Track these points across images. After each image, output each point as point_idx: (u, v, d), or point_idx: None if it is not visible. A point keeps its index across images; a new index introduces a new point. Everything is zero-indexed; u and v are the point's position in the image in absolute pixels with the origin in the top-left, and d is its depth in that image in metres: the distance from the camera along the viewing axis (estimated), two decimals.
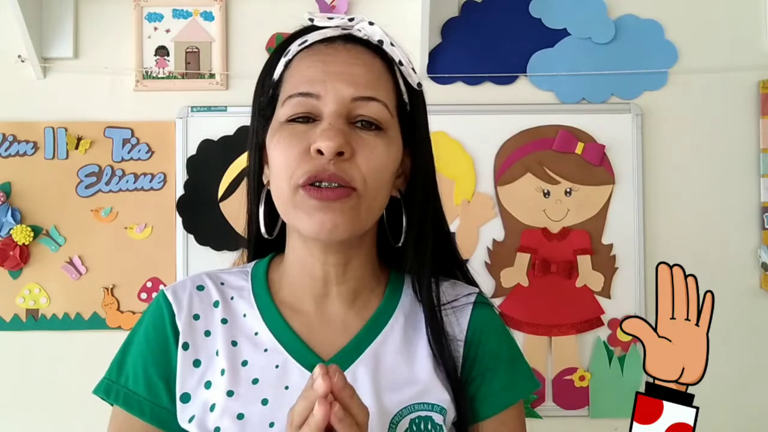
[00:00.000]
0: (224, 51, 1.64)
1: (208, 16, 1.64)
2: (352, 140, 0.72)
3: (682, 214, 1.64)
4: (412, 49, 1.61)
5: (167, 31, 1.64)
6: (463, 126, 1.63)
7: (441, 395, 0.76)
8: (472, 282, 0.88)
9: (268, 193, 0.80)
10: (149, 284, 1.62)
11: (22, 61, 1.61)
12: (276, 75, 0.78)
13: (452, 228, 1.63)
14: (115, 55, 1.64)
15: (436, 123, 1.59)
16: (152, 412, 0.76)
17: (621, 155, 1.62)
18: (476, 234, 1.63)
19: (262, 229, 0.80)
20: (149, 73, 1.64)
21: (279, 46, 0.80)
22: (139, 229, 1.63)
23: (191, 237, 1.61)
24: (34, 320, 1.61)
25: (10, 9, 1.51)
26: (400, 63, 0.78)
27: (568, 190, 1.63)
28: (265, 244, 0.84)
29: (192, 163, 1.62)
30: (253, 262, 0.86)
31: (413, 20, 1.59)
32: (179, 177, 1.62)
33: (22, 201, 1.62)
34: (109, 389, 0.78)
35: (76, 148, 1.62)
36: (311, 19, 0.78)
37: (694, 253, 1.61)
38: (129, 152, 1.63)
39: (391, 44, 0.77)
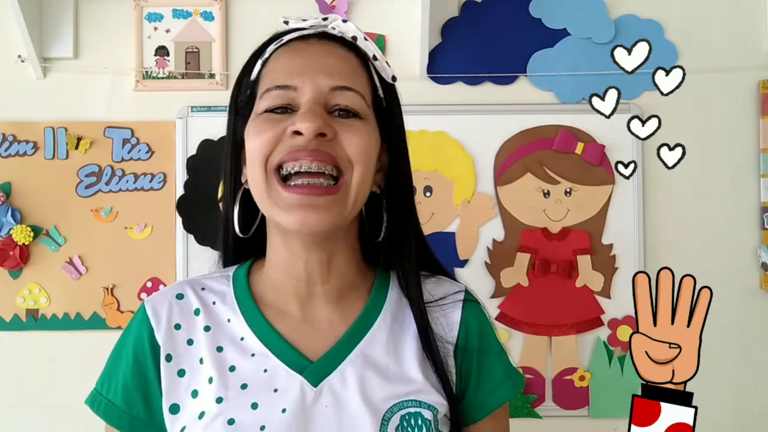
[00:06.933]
0: (224, 51, 1.63)
1: (208, 16, 1.64)
2: (333, 124, 0.72)
3: (682, 214, 1.64)
4: (412, 49, 1.62)
5: (167, 31, 1.64)
6: (463, 126, 1.63)
7: (431, 394, 0.76)
8: (452, 279, 0.88)
9: (245, 193, 0.79)
10: (149, 284, 1.62)
11: (22, 61, 1.61)
12: (253, 75, 0.79)
13: (452, 228, 1.63)
14: (115, 55, 1.64)
15: (436, 123, 1.63)
16: (130, 425, 0.77)
17: (621, 155, 1.62)
18: (476, 234, 1.63)
19: (237, 229, 0.79)
20: (149, 73, 1.63)
21: (256, 50, 0.81)
22: (139, 229, 1.63)
23: (191, 237, 1.61)
24: (34, 320, 1.61)
25: (10, 9, 1.51)
26: (374, 58, 0.78)
27: (568, 190, 1.63)
28: (243, 248, 0.83)
29: (192, 163, 1.62)
30: (234, 267, 0.85)
31: (413, 20, 1.59)
32: (179, 177, 1.62)
33: (22, 201, 1.62)
34: (94, 400, 0.80)
35: (76, 148, 1.62)
36: (286, 22, 0.79)
37: (693, 253, 1.61)
38: (129, 152, 1.63)
39: (365, 39, 0.78)
